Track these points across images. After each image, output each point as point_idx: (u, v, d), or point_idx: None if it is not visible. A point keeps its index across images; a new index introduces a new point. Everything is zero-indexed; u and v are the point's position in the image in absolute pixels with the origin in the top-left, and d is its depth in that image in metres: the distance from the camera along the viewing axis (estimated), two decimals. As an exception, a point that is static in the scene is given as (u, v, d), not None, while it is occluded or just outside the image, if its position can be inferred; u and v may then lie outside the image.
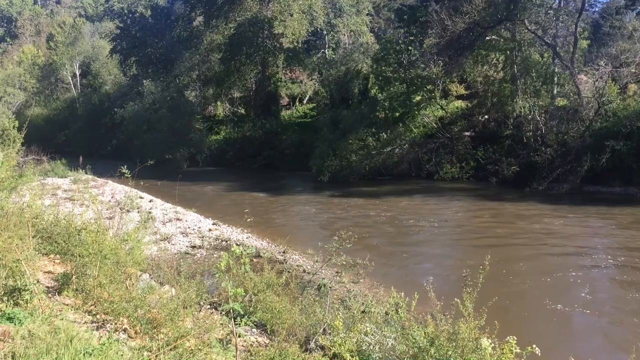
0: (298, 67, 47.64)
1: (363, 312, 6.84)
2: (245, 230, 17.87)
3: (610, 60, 27.47)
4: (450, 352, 4.64)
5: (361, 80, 39.96)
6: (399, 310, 6.29)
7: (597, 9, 50.02)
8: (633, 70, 26.81)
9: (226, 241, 15.90)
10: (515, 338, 3.93)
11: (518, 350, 3.92)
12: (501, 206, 22.65)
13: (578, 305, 11.34)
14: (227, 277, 3.28)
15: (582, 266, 14.29)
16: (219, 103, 49.37)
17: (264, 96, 45.87)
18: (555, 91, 29.48)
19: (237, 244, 14.83)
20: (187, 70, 47.33)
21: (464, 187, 27.65)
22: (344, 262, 7.78)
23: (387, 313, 6.85)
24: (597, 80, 27.18)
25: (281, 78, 47.12)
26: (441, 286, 11.07)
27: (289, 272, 10.16)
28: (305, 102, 49.57)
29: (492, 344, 4.16)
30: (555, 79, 29.25)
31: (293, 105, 49.15)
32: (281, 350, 5.65)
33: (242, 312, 4.27)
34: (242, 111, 48.53)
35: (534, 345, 3.90)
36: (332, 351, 6.15)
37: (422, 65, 32.89)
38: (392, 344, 5.72)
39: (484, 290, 6.12)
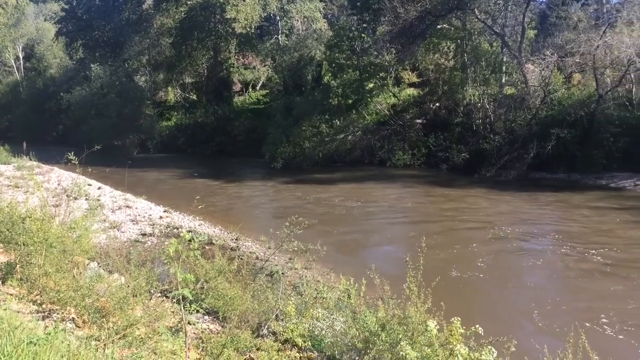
0: (251, 52, 47.20)
1: (315, 297, 6.88)
2: (198, 218, 17.67)
3: (556, 50, 28.23)
4: (400, 336, 4.72)
5: (314, 67, 39.90)
6: (350, 295, 6.36)
7: (544, 0, 51.29)
8: (577, 60, 27.66)
9: (178, 228, 15.68)
10: (460, 319, 4.04)
11: (462, 331, 4.03)
12: (451, 192, 23.11)
13: (521, 285, 11.73)
14: (176, 264, 3.25)
15: (527, 249, 14.78)
16: (170, 88, 48.48)
17: (216, 82, 45.31)
18: (503, 80, 30.19)
19: (188, 231, 14.74)
20: (137, 55, 46.21)
21: (416, 174, 28.06)
22: (296, 249, 7.79)
23: (339, 298, 6.92)
24: (543, 69, 27.93)
25: (234, 64, 46.60)
26: (394, 270, 11.24)
27: (241, 259, 10.14)
28: (258, 88, 49.22)
29: (438, 326, 4.26)
30: (504, 68, 29.94)
31: (246, 92, 48.73)
32: (233, 336, 5.63)
33: (192, 299, 4.23)
34: (194, 97, 47.80)
35: (477, 325, 4.01)
36: (285, 336, 6.18)
37: (375, 53, 33.11)
38: (343, 328, 5.79)
39: (435, 273, 6.26)
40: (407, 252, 11.94)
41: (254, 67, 49.31)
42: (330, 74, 36.73)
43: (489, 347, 3.71)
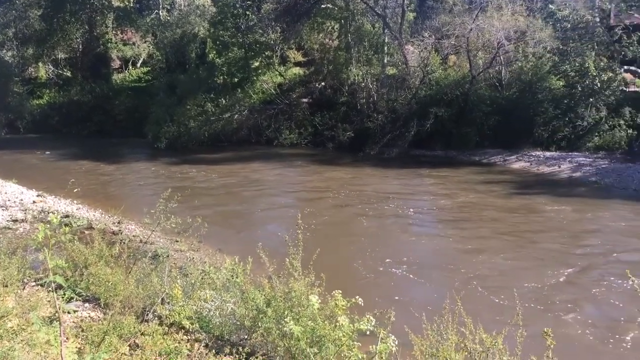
0: (130, 28, 44.94)
1: (202, 279, 6.75)
2: (76, 202, 16.72)
3: (433, 32, 29.54)
4: (286, 312, 4.76)
5: (198, 44, 38.86)
6: (238, 274, 6.31)
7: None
8: (453, 42, 29.11)
9: (53, 213, 14.73)
10: (341, 291, 4.15)
11: (343, 303, 4.15)
12: (337, 170, 23.59)
13: (402, 258, 12.27)
14: (46, 250, 3.03)
15: (410, 224, 15.51)
16: (40, 64, 45.07)
17: (93, 58, 42.73)
18: (385, 60, 31.12)
19: (65, 216, 13.88)
20: (2, 27, 42.48)
21: (303, 153, 28.33)
22: (174, 225, 7.58)
23: (227, 279, 6.84)
24: (422, 50, 29.13)
25: (111, 39, 44.22)
26: (282, 247, 11.33)
27: (124, 242, 9.73)
28: (139, 65, 47.06)
29: (320, 300, 4.35)
30: (386, 48, 30.84)
31: (126, 69, 46.43)
32: (115, 323, 5.41)
33: (65, 285, 3.99)
34: (68, 74, 44.78)
35: (357, 297, 4.14)
36: (171, 320, 6.02)
37: (260, 31, 32.84)
38: (232, 308, 5.74)
39: (321, 249, 6.37)
40: (292, 230, 12.06)
41: (134, 44, 47.06)
42: (214, 52, 35.93)
43: (368, 316, 3.83)
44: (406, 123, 27.24)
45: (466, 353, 4.17)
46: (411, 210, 17.12)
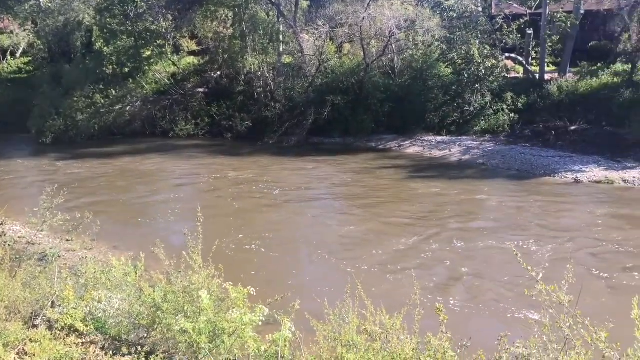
0: (7, 15, 41.70)
1: (96, 278, 6.44)
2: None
3: (328, 21, 29.79)
4: (186, 307, 4.65)
5: (84, 33, 36.72)
6: (135, 272, 6.10)
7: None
8: (346, 31, 29.56)
9: None
10: (232, 283, 4.13)
11: (235, 295, 4.13)
12: (236, 160, 23.35)
13: (300, 244, 12.38)
14: None
15: (310, 210, 15.65)
16: None
17: (-35, 48, 39.38)
18: (281, 49, 31.05)
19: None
20: None
21: (200, 144, 27.76)
22: (62, 223, 7.19)
23: (123, 277, 6.57)
24: (317, 39, 29.35)
25: (-15, 27, 40.92)
26: (181, 242, 11.05)
27: (8, 245, 9.08)
28: (18, 55, 43.90)
29: (210, 295, 4.32)
30: (281, 37, 30.76)
31: (4, 59, 43.15)
32: (0, 330, 5.03)
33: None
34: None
35: (250, 287, 4.13)
36: (64, 323, 5.70)
37: (151, 19, 31.62)
38: (128, 306, 5.52)
39: (220, 240, 6.27)
40: (192, 223, 11.78)
41: (12, 32, 43.76)
42: (102, 41, 34.12)
43: (261, 306, 3.82)
44: (304, 111, 27.43)
45: (367, 335, 4.26)
46: (310, 197, 17.33)
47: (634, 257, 11.54)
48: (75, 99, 29.39)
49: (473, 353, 3.90)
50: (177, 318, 3.86)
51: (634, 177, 18.30)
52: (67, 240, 11.37)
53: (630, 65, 25.90)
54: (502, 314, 8.96)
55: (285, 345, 3.99)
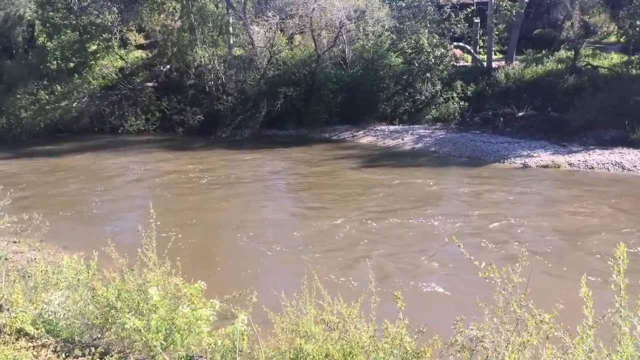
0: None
1: (46, 280, 6.25)
2: None
3: (278, 12, 29.63)
4: (142, 305, 4.56)
5: (26, 27, 35.46)
6: (83, 271, 5.94)
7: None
8: (297, 22, 29.48)
9: None
10: (182, 278, 4.09)
11: (186, 290, 4.11)
12: (189, 155, 23.03)
13: (255, 237, 12.34)
14: None
15: (264, 202, 15.60)
16: None
17: None
18: (231, 41, 30.72)
19: None
20: None
21: (152, 139, 27.26)
22: (8, 224, 6.96)
23: (75, 277, 6.41)
24: (267, 30, 29.17)
25: None
26: (135, 239, 10.85)
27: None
28: (-44, 51, 42.08)
29: (166, 292, 4.27)
30: (231, 29, 30.41)
31: (-61, 55, 41.29)
32: (-56, 339, 4.83)
33: None
34: None
35: (200, 281, 4.10)
36: (12, 327, 5.52)
37: (96, 12, 30.78)
38: (80, 307, 5.38)
39: (177, 236, 6.17)
40: (144, 220, 11.59)
41: (-52, 27, 41.90)
42: (45, 35, 33.01)
43: (212, 301, 3.80)
44: (256, 104, 27.26)
45: (324, 325, 4.27)
46: (264, 189, 17.26)
47: (570, 235, 11.97)
48: (19, 96, 28.41)
49: (429, 338, 3.96)
50: (127, 316, 3.78)
51: (578, 161, 18.93)
52: (15, 242, 11.01)
53: (573, 52, 26.73)
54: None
55: (243, 339, 3.97)
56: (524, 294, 3.62)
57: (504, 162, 19.63)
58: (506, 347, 3.58)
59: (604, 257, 10.17)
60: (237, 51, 31.11)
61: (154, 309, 3.92)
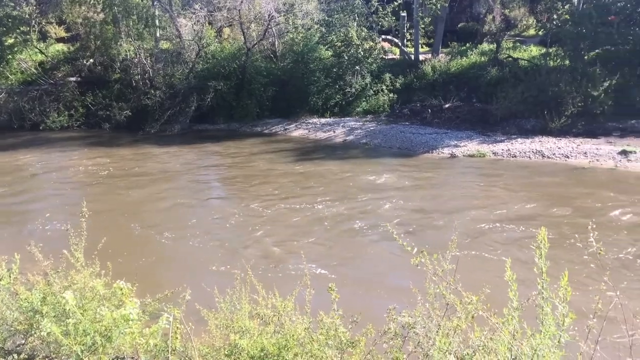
0: None
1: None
2: None
3: (205, 4, 29.14)
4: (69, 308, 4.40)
5: None
6: (10, 274, 5.66)
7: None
8: (225, 15, 29.09)
9: None
10: (101, 281, 4.00)
11: (105, 292, 4.02)
12: (116, 151, 22.33)
13: (187, 234, 12.16)
14: None
15: (199, 199, 15.36)
16: None
17: None
18: (158, 34, 29.97)
19: None
20: None
21: (76, 136, 26.24)
22: None
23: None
24: (195, 23, 28.62)
25: None
26: (61, 240, 10.45)
27: None
28: None
29: (94, 294, 4.16)
30: (157, 22, 29.65)
31: None
32: None
33: None
34: None
35: (119, 280, 4.01)
36: None
37: (12, 4, 29.28)
38: (1, 312, 5.13)
39: (106, 236, 5.99)
40: (69, 220, 11.17)
41: None
42: (-44, 28, 31.17)
43: (133, 299, 3.73)
44: (186, 98, 26.75)
45: (259, 320, 4.27)
46: (195, 184, 17.01)
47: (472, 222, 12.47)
48: None
49: (362, 327, 4.03)
50: (44, 322, 3.64)
51: (502, 150, 19.70)
52: None
53: (495, 45, 27.72)
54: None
55: (177, 338, 3.90)
56: (452, 279, 3.74)
57: (432, 153, 20.16)
58: (437, 332, 3.69)
59: (522, 242, 10.64)
60: (164, 44, 30.39)
61: (72, 313, 3.79)
